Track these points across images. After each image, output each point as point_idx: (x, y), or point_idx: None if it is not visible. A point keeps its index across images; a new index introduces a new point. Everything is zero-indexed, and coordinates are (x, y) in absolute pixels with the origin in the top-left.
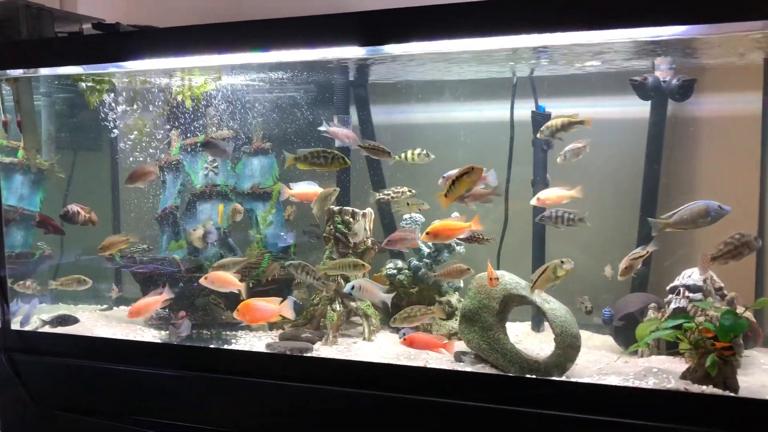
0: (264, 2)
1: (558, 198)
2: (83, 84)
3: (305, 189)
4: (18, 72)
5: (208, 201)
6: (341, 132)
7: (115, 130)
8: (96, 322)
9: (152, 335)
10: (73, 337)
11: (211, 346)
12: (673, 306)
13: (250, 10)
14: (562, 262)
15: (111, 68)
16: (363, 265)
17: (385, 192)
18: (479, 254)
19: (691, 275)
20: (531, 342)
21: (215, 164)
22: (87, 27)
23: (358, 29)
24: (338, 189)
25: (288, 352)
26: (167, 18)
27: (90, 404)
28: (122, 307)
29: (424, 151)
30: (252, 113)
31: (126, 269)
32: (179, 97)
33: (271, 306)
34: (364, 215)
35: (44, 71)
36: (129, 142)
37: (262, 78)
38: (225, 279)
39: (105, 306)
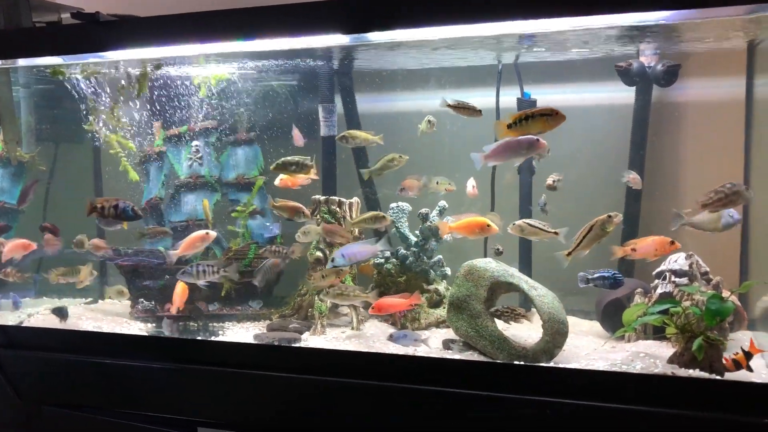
0: None
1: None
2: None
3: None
4: None
5: (192, 192)
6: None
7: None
8: (81, 316)
9: (138, 328)
10: (58, 331)
11: (199, 338)
12: (659, 291)
13: None
14: (609, 216)
15: (91, 58)
16: (384, 216)
17: None
18: (466, 242)
19: (677, 260)
20: (518, 329)
21: (199, 155)
22: (66, 16)
23: (342, 17)
24: (406, 157)
25: (276, 343)
26: (148, 7)
27: (77, 398)
28: (108, 300)
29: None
30: (236, 102)
31: (111, 261)
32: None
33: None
34: (351, 205)
35: (22, 62)
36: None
37: (245, 67)
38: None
39: (90, 299)
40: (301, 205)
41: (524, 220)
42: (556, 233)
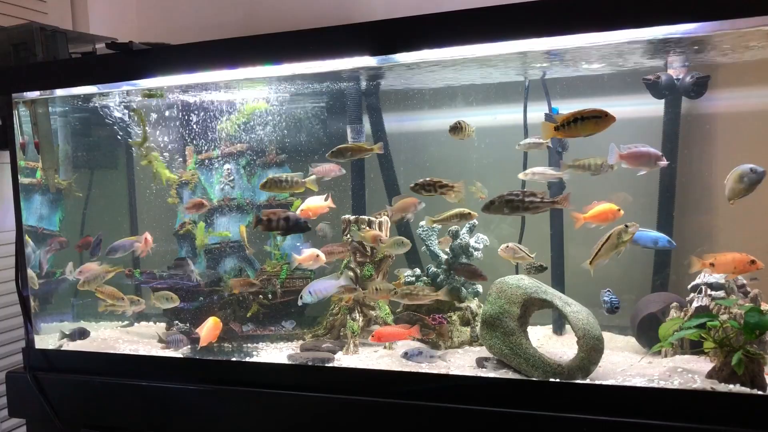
0: (275, 15)
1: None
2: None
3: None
4: (35, 94)
5: (225, 214)
6: (324, 168)
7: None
8: (118, 339)
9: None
10: (96, 354)
11: (233, 359)
12: (695, 305)
13: (260, 23)
14: (626, 226)
15: (125, 86)
16: (470, 213)
17: None
18: (497, 258)
19: (713, 273)
20: (553, 346)
21: (231, 178)
22: (100, 46)
23: (370, 39)
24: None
25: (310, 363)
26: (179, 35)
27: (115, 420)
28: (143, 323)
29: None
30: (268, 125)
31: (145, 285)
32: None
33: None
34: (380, 224)
35: (60, 92)
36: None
37: (277, 89)
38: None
39: (126, 322)
40: (381, 233)
41: (515, 243)
42: (531, 257)
